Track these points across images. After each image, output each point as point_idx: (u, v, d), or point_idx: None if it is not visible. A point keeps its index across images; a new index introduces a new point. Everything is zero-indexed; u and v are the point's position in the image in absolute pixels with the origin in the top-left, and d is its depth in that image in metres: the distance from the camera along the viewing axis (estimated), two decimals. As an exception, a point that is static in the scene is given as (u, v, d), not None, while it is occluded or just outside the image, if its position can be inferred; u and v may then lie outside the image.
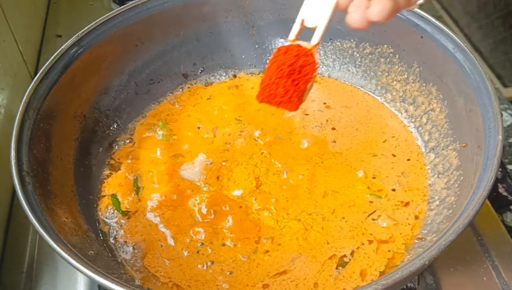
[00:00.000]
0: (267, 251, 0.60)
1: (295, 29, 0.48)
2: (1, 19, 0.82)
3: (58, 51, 0.65)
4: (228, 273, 0.58)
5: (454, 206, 0.57)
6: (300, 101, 0.48)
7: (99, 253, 0.58)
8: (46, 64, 0.64)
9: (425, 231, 0.60)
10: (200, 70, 0.84)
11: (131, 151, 0.73)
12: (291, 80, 0.47)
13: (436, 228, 0.58)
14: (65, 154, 0.65)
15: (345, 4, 0.45)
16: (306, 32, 0.49)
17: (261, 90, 0.48)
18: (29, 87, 0.61)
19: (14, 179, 0.53)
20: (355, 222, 0.63)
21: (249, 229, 0.62)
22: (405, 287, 0.61)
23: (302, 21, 0.48)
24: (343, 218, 0.63)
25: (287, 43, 0.48)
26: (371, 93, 0.80)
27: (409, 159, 0.70)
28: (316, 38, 0.47)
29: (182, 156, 0.72)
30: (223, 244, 0.61)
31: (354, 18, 0.44)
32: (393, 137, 0.73)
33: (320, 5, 0.47)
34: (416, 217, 0.63)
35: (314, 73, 0.48)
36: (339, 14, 0.46)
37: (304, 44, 0.48)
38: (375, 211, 0.63)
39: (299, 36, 0.49)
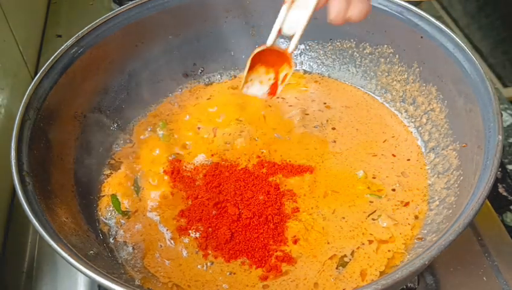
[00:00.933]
0: (267, 251, 0.60)
1: (272, 36, 0.53)
2: (1, 19, 0.82)
3: (58, 51, 0.65)
4: (228, 273, 0.58)
5: (454, 206, 0.57)
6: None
7: (99, 253, 0.58)
8: (46, 64, 0.64)
9: (425, 231, 0.60)
10: (200, 70, 0.84)
11: (131, 151, 0.73)
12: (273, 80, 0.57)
13: (436, 228, 0.58)
14: (65, 154, 0.65)
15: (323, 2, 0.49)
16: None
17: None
18: (29, 87, 0.61)
19: (14, 179, 0.53)
20: (356, 222, 0.63)
21: (249, 229, 0.62)
22: (405, 287, 0.61)
23: (280, 29, 0.52)
24: (343, 218, 0.63)
25: (265, 46, 0.53)
26: (371, 93, 0.80)
27: (409, 159, 0.70)
28: (292, 47, 0.53)
29: (182, 156, 0.72)
30: (223, 244, 0.61)
31: (335, 17, 0.48)
32: (393, 137, 0.73)
33: (296, 14, 0.51)
34: (416, 217, 0.63)
35: (288, 77, 0.56)
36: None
37: (281, 49, 0.54)
38: (375, 211, 0.63)
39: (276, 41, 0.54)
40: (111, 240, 0.63)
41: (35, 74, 0.62)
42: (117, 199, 0.66)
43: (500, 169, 0.79)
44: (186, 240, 0.62)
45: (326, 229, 0.62)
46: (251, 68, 0.56)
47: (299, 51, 0.84)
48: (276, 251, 0.60)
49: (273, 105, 0.79)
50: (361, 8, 0.48)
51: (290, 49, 0.53)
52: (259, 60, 0.56)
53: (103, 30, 0.70)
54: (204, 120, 0.77)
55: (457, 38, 0.64)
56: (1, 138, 0.71)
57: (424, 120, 0.72)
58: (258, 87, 0.58)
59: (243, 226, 0.61)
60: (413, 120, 0.74)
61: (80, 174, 0.66)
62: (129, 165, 0.71)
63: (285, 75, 0.57)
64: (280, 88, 0.58)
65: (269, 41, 0.53)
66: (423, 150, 0.71)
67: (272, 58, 0.55)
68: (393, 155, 0.71)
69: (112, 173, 0.70)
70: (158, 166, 0.70)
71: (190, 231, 0.62)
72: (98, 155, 0.71)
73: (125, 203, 0.66)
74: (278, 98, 0.80)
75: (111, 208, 0.66)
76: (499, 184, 0.77)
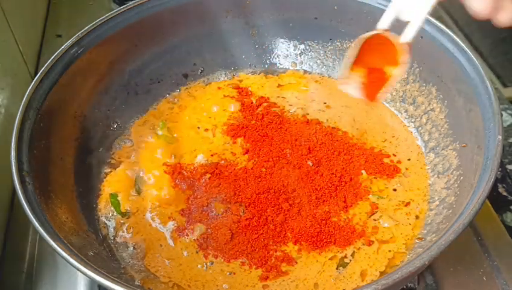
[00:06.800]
0: (267, 251, 0.60)
1: (388, 18, 0.43)
2: (1, 19, 0.82)
3: (58, 51, 0.65)
4: (228, 273, 0.58)
5: (454, 206, 0.57)
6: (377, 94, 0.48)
7: (99, 253, 0.58)
8: (46, 64, 0.64)
9: (425, 231, 0.60)
10: (200, 71, 0.84)
11: (131, 151, 0.73)
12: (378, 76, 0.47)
13: (436, 228, 0.58)
14: (65, 154, 0.65)
15: None
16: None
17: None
18: (29, 87, 0.61)
19: (14, 179, 0.53)
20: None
21: (249, 229, 0.62)
22: (405, 287, 0.61)
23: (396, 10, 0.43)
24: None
25: (376, 32, 0.43)
26: (371, 93, 0.80)
27: (409, 159, 0.70)
28: (409, 35, 0.43)
29: (182, 156, 0.72)
30: (223, 245, 0.61)
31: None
32: (393, 137, 0.73)
33: None
34: (417, 217, 0.63)
35: (396, 78, 0.46)
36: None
37: (395, 38, 0.43)
38: (376, 212, 0.63)
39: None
40: (111, 240, 0.63)
41: (35, 74, 0.62)
42: (116, 199, 0.66)
43: (500, 169, 0.79)
44: (187, 240, 0.62)
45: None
46: (355, 62, 0.45)
47: (299, 51, 0.84)
48: (276, 251, 0.60)
49: (273, 105, 0.79)
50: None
51: (406, 38, 0.43)
52: (363, 51, 0.45)
53: (103, 30, 0.70)
54: (204, 120, 0.77)
55: (457, 38, 0.64)
56: (1, 138, 0.71)
57: (424, 120, 0.72)
58: (355, 85, 0.48)
59: (243, 227, 0.61)
60: (413, 120, 0.74)
61: (80, 174, 0.66)
62: (129, 165, 0.71)
63: (392, 75, 0.46)
64: (385, 91, 0.47)
65: (383, 24, 0.42)
66: (423, 150, 0.71)
67: (378, 49, 0.44)
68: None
69: (112, 173, 0.70)
70: (158, 166, 0.70)
71: (190, 231, 0.62)
72: (98, 155, 0.71)
73: (125, 203, 0.66)
74: (278, 97, 0.80)
75: (111, 208, 0.66)
76: (499, 184, 0.77)
